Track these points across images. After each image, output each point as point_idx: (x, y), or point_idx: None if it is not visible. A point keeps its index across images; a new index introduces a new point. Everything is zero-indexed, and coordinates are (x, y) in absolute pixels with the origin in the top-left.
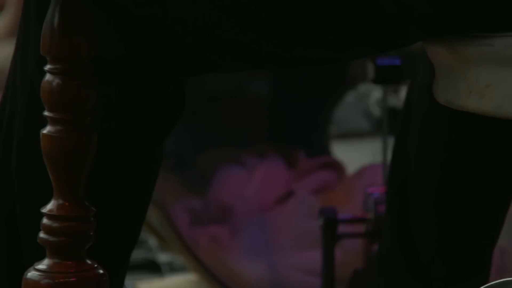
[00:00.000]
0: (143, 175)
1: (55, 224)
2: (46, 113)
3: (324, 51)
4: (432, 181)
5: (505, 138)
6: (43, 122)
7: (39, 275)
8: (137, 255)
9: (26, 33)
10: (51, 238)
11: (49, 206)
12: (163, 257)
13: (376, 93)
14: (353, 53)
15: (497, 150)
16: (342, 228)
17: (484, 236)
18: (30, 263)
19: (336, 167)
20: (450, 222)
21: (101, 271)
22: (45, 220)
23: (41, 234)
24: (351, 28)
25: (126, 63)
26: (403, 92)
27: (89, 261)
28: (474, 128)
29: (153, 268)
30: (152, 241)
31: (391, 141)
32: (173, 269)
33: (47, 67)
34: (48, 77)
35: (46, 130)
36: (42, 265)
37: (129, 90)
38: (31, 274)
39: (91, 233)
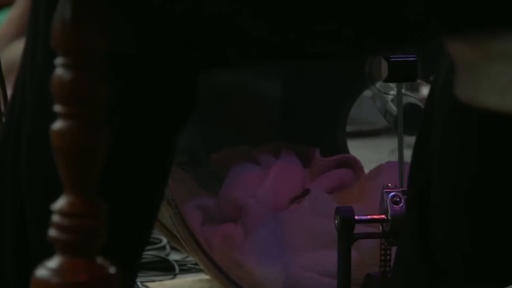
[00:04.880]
0: (155, 170)
1: (66, 222)
2: (56, 108)
3: (337, 45)
4: (459, 182)
5: None
6: (53, 118)
7: (49, 273)
8: (150, 253)
9: (34, 29)
10: (62, 236)
11: (60, 203)
12: (176, 256)
13: (394, 91)
14: (370, 47)
15: None
16: (358, 228)
17: None
18: (38, 262)
19: (353, 165)
20: (480, 224)
21: (112, 270)
22: (55, 218)
23: (51, 232)
24: (367, 21)
25: (138, 58)
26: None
27: (100, 260)
28: (502, 126)
29: (166, 267)
30: (165, 239)
31: (409, 140)
32: (185, 268)
33: (58, 60)
34: (58, 70)
35: (56, 125)
36: (52, 263)
37: (142, 85)
38: (41, 272)
39: (103, 231)
